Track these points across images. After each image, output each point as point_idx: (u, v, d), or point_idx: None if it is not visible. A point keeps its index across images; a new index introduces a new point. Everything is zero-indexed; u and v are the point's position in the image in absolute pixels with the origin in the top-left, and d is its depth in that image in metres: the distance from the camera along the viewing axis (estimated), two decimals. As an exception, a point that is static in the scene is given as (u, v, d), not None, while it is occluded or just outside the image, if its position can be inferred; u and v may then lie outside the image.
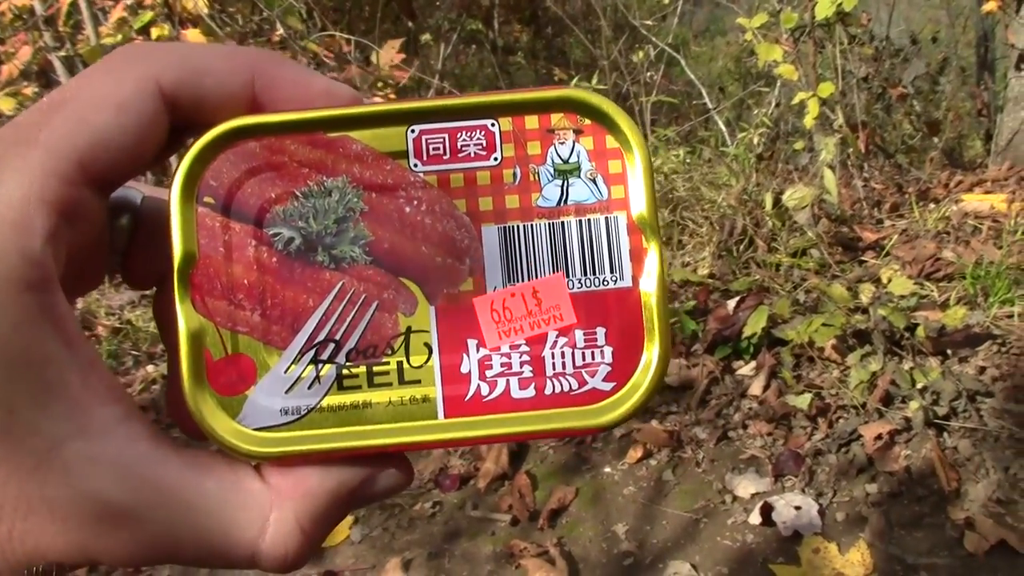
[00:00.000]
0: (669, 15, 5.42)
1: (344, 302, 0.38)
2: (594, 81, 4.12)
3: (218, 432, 0.37)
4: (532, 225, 0.39)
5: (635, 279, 0.39)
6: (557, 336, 0.38)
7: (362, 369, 0.38)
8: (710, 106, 4.64)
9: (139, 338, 3.53)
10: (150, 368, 3.36)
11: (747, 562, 2.06)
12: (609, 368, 0.38)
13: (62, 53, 4.06)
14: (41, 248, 0.33)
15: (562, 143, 0.39)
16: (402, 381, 0.38)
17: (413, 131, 0.39)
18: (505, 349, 0.38)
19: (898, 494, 2.14)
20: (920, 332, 2.48)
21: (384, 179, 0.39)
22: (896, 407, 2.36)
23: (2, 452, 0.33)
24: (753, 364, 2.67)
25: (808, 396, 2.43)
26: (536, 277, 0.38)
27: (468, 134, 0.39)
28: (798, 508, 2.13)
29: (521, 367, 0.38)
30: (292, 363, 0.38)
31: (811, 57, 3.55)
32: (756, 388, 2.56)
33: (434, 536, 2.31)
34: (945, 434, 2.26)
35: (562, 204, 0.39)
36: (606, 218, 0.39)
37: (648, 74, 4.49)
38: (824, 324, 2.53)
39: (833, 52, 3.69)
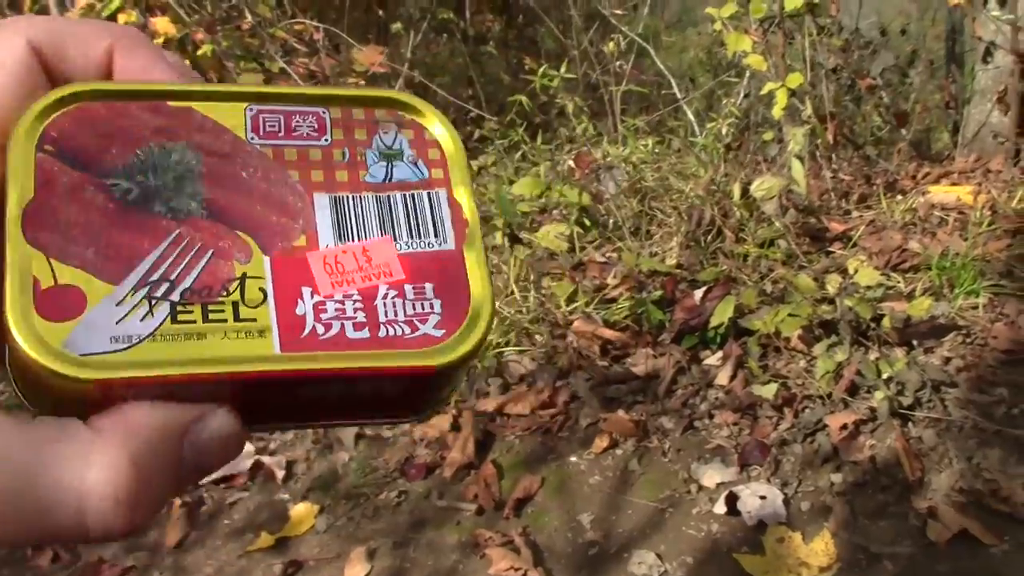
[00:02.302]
0: (640, 5, 5.41)
1: (180, 247, 0.38)
2: (563, 70, 4.11)
3: (39, 357, 0.34)
4: (361, 196, 0.41)
5: (458, 243, 0.41)
6: (388, 289, 0.40)
7: (197, 307, 0.37)
8: (679, 96, 4.64)
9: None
10: None
11: (712, 552, 2.06)
12: (439, 317, 0.40)
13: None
14: None
15: (386, 132, 0.43)
16: (237, 318, 0.37)
17: (251, 110, 0.41)
18: (339, 297, 0.39)
19: (863, 484, 2.15)
20: (886, 323, 2.49)
21: (223, 147, 0.40)
22: (861, 397, 2.37)
23: None
24: (720, 354, 2.67)
25: (774, 386, 2.43)
26: (366, 239, 0.40)
27: (302, 117, 0.42)
28: (763, 498, 2.13)
29: (355, 313, 0.39)
30: (125, 296, 0.36)
31: (780, 48, 3.55)
32: (723, 378, 2.56)
33: (399, 525, 2.31)
34: (910, 424, 2.27)
35: (387, 182, 0.42)
36: (428, 193, 0.42)
37: (619, 63, 4.48)
38: (791, 314, 2.53)
39: (802, 43, 3.69)
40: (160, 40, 3.91)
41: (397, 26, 5.04)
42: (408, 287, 0.40)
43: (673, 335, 2.75)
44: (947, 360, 2.47)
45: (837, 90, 4.02)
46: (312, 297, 0.38)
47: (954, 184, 3.55)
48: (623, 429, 2.45)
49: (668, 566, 2.05)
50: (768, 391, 2.42)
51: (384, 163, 0.42)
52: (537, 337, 2.86)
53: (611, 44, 4.36)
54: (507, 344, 2.85)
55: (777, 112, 3.33)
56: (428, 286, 0.40)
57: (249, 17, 4.28)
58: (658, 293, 2.91)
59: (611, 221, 3.46)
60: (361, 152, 0.42)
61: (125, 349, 0.36)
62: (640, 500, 2.24)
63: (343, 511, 2.39)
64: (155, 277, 0.37)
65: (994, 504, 2.01)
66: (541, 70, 4.12)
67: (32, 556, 2.36)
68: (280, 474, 2.56)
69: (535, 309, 2.93)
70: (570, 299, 2.96)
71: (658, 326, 2.81)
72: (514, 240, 3.15)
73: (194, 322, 0.37)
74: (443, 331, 0.39)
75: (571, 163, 3.81)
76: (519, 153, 4.39)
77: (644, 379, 2.63)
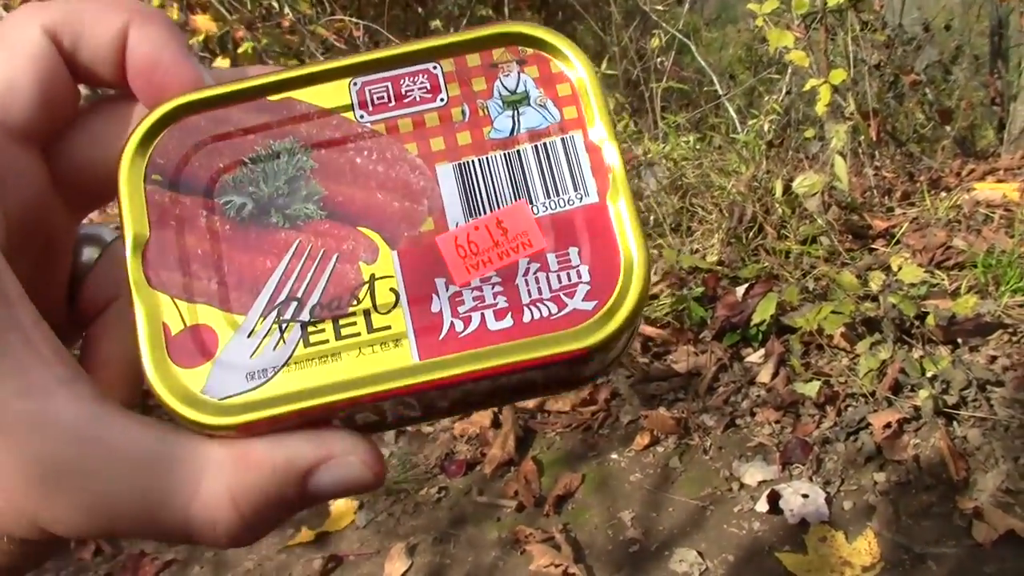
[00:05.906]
0: (681, 1, 5.38)
1: (303, 259, 0.36)
2: (603, 67, 4.10)
3: (182, 410, 0.35)
4: (488, 158, 0.38)
5: (601, 194, 0.38)
6: (528, 263, 0.37)
7: (328, 324, 0.36)
8: (721, 93, 4.62)
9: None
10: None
11: (754, 550, 2.05)
12: (588, 287, 0.36)
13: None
14: None
15: (507, 75, 0.39)
16: (371, 330, 0.36)
17: (356, 84, 0.38)
18: (476, 283, 0.36)
19: (906, 483, 2.13)
20: (930, 320, 2.47)
21: (331, 134, 0.38)
22: (905, 396, 2.35)
23: None
24: (761, 351, 2.66)
25: (816, 384, 2.41)
26: (498, 208, 0.37)
27: (411, 79, 0.38)
28: (805, 496, 2.12)
29: (495, 299, 0.36)
30: (255, 325, 0.36)
31: (823, 44, 3.52)
32: (764, 375, 2.55)
33: (439, 521, 2.31)
34: (955, 423, 2.25)
35: (515, 133, 0.38)
36: (562, 139, 0.38)
37: (659, 60, 4.47)
38: (833, 312, 2.51)
39: (845, 39, 3.66)
40: (200, 37, 3.95)
41: (436, 23, 5.05)
42: (551, 256, 0.37)
43: (715, 332, 2.74)
44: (993, 359, 2.44)
45: (880, 86, 3.98)
46: (447, 289, 0.36)
47: (1000, 181, 3.51)
48: (664, 426, 2.44)
49: (709, 564, 2.04)
50: (810, 389, 2.40)
51: (509, 112, 0.38)
52: (577, 334, 2.85)
53: (656, 40, 4.34)
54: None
55: (820, 109, 3.31)
56: (573, 251, 0.37)
57: (289, 14, 4.30)
58: (699, 290, 2.90)
59: (652, 218, 3.45)
60: (482, 105, 0.38)
61: (262, 384, 0.35)
62: (681, 498, 2.23)
63: (383, 507, 2.40)
64: (282, 298, 0.36)
65: (1041, 505, 1.99)
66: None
67: (76, 549, 2.39)
68: (321, 469, 2.57)
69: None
70: (610, 296, 2.95)
71: (699, 323, 2.80)
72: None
73: (327, 342, 0.36)
74: (594, 302, 0.36)
75: (612, 159, 3.79)
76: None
77: (685, 376, 2.62)
